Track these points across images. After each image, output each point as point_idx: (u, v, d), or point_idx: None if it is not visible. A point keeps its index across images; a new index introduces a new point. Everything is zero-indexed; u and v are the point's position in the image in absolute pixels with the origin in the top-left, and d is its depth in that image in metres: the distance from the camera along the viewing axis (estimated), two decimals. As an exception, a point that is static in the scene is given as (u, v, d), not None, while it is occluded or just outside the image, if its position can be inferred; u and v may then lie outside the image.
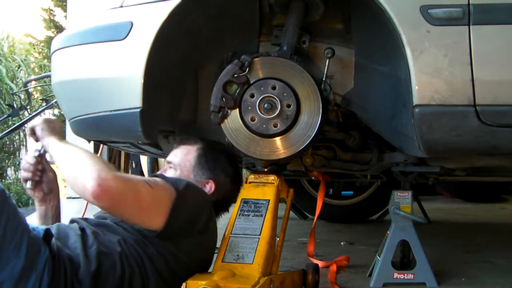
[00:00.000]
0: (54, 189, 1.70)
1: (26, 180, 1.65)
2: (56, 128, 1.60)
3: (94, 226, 1.51)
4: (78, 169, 1.37)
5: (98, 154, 4.97)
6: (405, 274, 1.92)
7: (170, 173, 1.69)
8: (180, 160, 1.70)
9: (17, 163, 7.42)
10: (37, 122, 1.59)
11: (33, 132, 1.60)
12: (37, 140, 1.61)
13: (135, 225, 1.45)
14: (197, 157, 1.69)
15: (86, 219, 1.60)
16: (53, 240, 1.38)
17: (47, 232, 1.38)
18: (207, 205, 1.57)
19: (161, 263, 1.45)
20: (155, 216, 1.42)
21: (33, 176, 1.64)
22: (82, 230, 1.48)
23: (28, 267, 1.29)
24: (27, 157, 1.68)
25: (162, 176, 1.57)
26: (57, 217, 1.71)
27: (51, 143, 1.53)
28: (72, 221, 1.59)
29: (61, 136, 1.58)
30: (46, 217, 1.69)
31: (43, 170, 1.66)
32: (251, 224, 1.60)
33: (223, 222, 1.69)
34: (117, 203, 1.36)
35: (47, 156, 1.65)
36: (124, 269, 1.41)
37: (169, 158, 1.74)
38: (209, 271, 1.51)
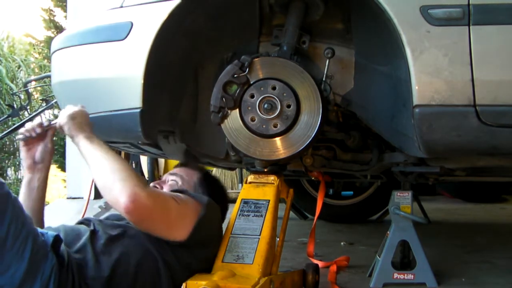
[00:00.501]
0: (46, 161, 1.67)
1: (22, 134, 1.62)
2: (83, 123, 1.57)
3: (110, 228, 1.50)
4: (112, 181, 1.40)
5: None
6: (405, 274, 1.92)
7: (171, 185, 1.73)
8: (186, 176, 1.76)
9: (17, 163, 7.42)
10: (63, 121, 1.56)
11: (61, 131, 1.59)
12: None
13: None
14: (200, 179, 1.77)
15: (101, 220, 1.59)
16: (62, 246, 1.36)
17: (56, 238, 1.35)
18: (220, 218, 1.67)
19: (176, 268, 1.46)
20: (179, 230, 1.48)
21: (30, 132, 1.61)
22: (94, 233, 1.47)
23: (31, 272, 1.27)
24: (37, 120, 1.67)
25: (186, 192, 1.62)
26: (42, 190, 1.67)
27: (82, 144, 1.52)
28: (86, 221, 1.59)
29: (90, 130, 1.56)
30: (30, 187, 1.65)
31: (43, 136, 1.64)
32: (251, 224, 1.60)
33: (223, 222, 1.69)
34: (147, 220, 1.42)
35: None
36: (138, 276, 1.42)
37: (173, 171, 1.80)
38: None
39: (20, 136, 1.63)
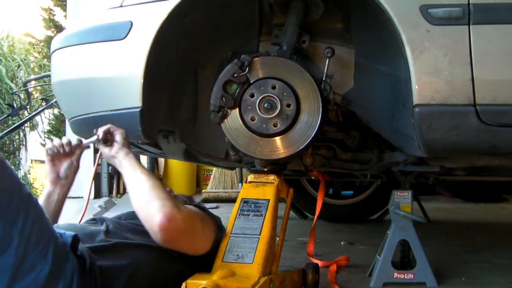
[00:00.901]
0: (69, 178, 1.69)
1: (50, 149, 1.64)
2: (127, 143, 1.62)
3: (128, 232, 1.53)
4: (152, 198, 1.44)
5: (98, 154, 4.98)
6: (405, 274, 1.92)
7: None
8: None
9: (17, 162, 7.42)
10: (121, 129, 1.59)
11: (107, 134, 1.60)
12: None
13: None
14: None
15: (118, 223, 1.61)
16: (81, 246, 1.37)
17: (75, 238, 1.36)
18: None
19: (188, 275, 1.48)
20: (199, 250, 1.54)
21: (57, 148, 1.64)
22: (108, 233, 1.50)
23: (55, 273, 1.27)
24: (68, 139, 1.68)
25: (202, 208, 1.71)
26: (60, 205, 1.70)
27: (129, 162, 1.55)
28: (95, 220, 1.61)
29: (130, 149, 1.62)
30: (49, 199, 1.67)
31: (70, 154, 1.66)
32: (251, 224, 1.60)
33: (223, 222, 1.69)
34: (175, 240, 1.46)
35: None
36: (153, 281, 1.47)
37: None
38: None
39: (47, 151, 1.64)
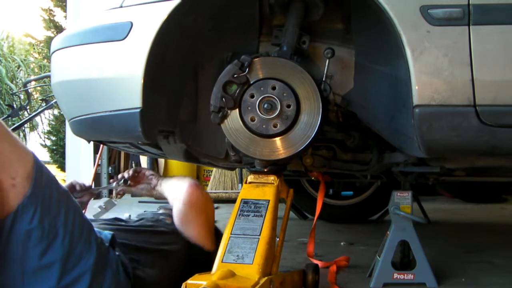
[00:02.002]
0: (83, 207, 1.92)
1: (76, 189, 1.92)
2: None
3: (139, 242, 1.60)
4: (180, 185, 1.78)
5: (98, 155, 4.98)
6: (405, 274, 1.92)
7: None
8: None
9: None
10: (140, 167, 1.83)
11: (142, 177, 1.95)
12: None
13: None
14: None
15: (128, 228, 1.70)
16: (118, 245, 1.46)
17: (114, 236, 1.45)
18: None
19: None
20: (206, 238, 1.76)
21: (81, 195, 1.92)
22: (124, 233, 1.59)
23: (102, 262, 1.34)
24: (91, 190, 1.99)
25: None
26: None
27: (165, 183, 1.90)
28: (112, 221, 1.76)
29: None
30: None
31: (85, 191, 1.94)
32: (251, 224, 1.59)
33: (223, 222, 1.69)
34: (195, 208, 1.72)
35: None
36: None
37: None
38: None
39: (77, 194, 1.90)
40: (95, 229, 1.41)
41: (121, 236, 1.54)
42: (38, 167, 1.28)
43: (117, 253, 1.43)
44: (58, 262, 1.26)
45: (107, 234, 1.43)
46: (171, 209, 1.81)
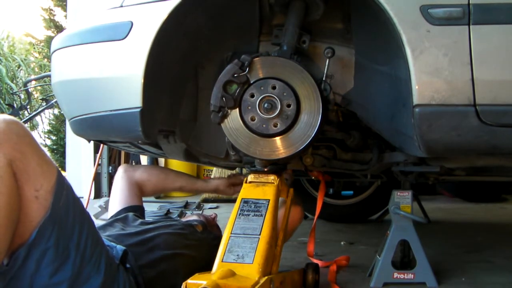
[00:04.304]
0: None
1: None
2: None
3: (143, 251, 1.60)
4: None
5: (98, 154, 4.99)
6: (405, 274, 1.92)
7: None
8: None
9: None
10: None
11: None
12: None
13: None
14: None
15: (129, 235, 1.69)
16: (131, 259, 1.45)
17: (125, 252, 1.43)
18: None
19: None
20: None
21: None
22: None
23: (108, 284, 1.32)
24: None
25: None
26: None
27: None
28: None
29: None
30: None
31: None
32: (251, 224, 1.60)
33: (223, 222, 1.69)
34: None
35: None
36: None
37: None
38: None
39: None
40: (109, 243, 1.41)
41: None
42: (60, 183, 1.28)
43: (128, 265, 1.43)
44: (66, 281, 1.26)
45: (119, 250, 1.43)
46: (205, 217, 1.91)
